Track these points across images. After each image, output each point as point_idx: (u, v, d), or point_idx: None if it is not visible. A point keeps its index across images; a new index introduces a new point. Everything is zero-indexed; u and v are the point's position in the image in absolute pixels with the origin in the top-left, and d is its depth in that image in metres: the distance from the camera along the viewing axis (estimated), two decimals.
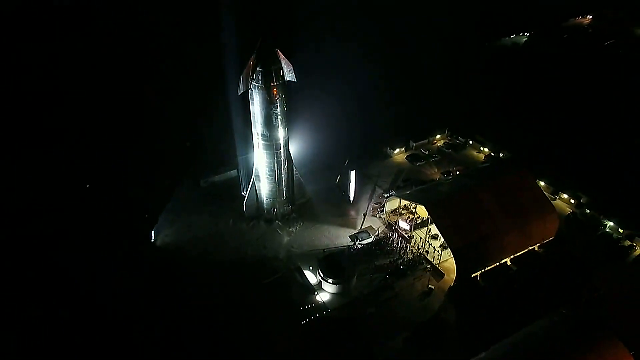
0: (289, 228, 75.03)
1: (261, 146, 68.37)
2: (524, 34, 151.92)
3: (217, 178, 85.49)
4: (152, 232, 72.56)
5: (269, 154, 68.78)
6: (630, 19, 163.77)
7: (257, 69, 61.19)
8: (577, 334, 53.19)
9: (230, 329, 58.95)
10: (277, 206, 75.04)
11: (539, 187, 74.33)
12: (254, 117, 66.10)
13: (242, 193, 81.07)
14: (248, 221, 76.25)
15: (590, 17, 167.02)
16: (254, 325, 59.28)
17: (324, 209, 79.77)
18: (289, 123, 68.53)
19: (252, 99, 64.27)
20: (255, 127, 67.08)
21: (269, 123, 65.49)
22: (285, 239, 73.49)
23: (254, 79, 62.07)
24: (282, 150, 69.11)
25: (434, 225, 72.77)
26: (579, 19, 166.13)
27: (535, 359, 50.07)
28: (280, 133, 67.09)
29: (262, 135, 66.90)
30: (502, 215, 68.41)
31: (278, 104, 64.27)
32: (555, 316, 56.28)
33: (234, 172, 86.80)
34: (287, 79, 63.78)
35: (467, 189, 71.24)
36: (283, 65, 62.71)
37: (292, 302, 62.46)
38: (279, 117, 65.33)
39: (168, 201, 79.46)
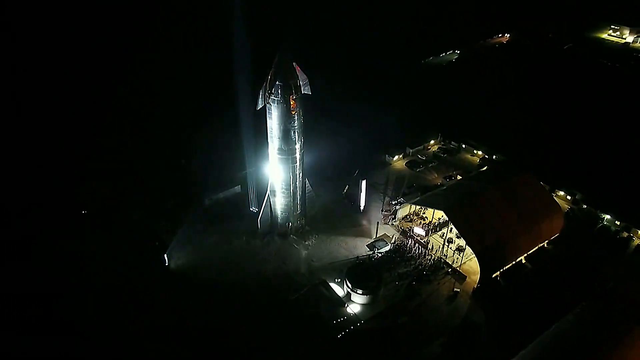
0: (305, 241, 74.23)
1: (277, 160, 67.43)
2: (453, 52, 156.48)
3: (221, 195, 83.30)
4: (165, 256, 69.60)
5: (285, 168, 67.95)
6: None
7: (277, 83, 60.53)
8: (605, 326, 56.13)
9: (262, 348, 57.48)
10: (292, 220, 74.11)
11: (543, 187, 77.75)
12: (271, 131, 65.19)
13: (251, 209, 79.64)
14: (262, 237, 74.75)
15: (509, 35, 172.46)
16: (287, 343, 58.03)
17: (336, 219, 79.61)
18: None
19: (270, 113, 63.44)
20: (272, 142, 66.12)
21: (286, 137, 64.81)
22: (303, 252, 72.64)
23: (272, 93, 61.35)
24: (297, 163, 68.51)
25: (447, 229, 74.92)
26: (499, 37, 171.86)
27: (575, 353, 52.19)
28: (297, 146, 66.56)
29: (279, 149, 66.06)
30: (514, 216, 71.14)
31: (296, 118, 63.79)
32: (578, 309, 59.21)
33: (237, 188, 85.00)
34: (304, 91, 63.41)
35: (478, 193, 73.34)
36: (300, 79, 62.37)
37: (323, 317, 61.72)
38: (297, 130, 64.83)
39: (175, 223, 76.45)
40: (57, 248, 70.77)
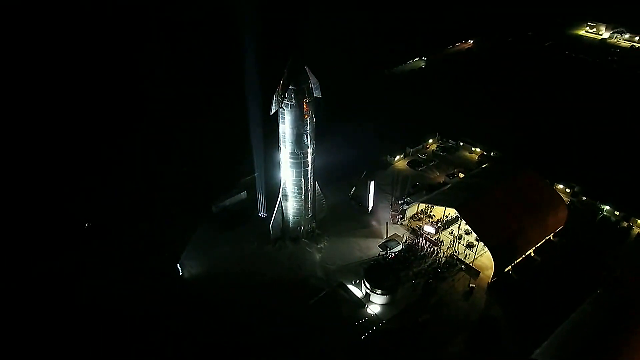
0: (318, 245, 74.20)
1: (290, 164, 67.25)
2: (420, 59, 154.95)
3: (228, 202, 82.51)
4: (178, 266, 68.59)
5: (297, 172, 67.80)
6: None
7: (290, 87, 60.43)
8: (621, 312, 57.87)
9: (286, 354, 57.27)
10: (303, 224, 73.99)
11: (546, 181, 79.71)
12: (284, 136, 64.95)
13: (260, 214, 79.22)
14: (273, 242, 74.36)
15: (472, 41, 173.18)
16: (311, 347, 57.93)
17: (345, 221, 79.74)
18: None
19: (283, 118, 63.14)
20: (284, 146, 65.88)
21: (299, 141, 64.72)
22: (317, 256, 72.58)
23: (286, 97, 61.19)
24: (309, 167, 68.51)
25: (456, 226, 76.16)
26: (462, 44, 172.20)
27: (598, 339, 53.73)
28: (310, 150, 66.59)
29: (292, 153, 65.91)
30: (521, 210, 72.67)
31: (308, 122, 63.80)
32: (594, 298, 60.97)
33: (243, 194, 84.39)
34: (315, 95, 63.42)
35: (485, 189, 74.86)
36: (311, 82, 62.38)
37: (344, 319, 61.84)
38: (309, 134, 64.86)
39: (184, 232, 75.39)
40: (61, 262, 69.17)
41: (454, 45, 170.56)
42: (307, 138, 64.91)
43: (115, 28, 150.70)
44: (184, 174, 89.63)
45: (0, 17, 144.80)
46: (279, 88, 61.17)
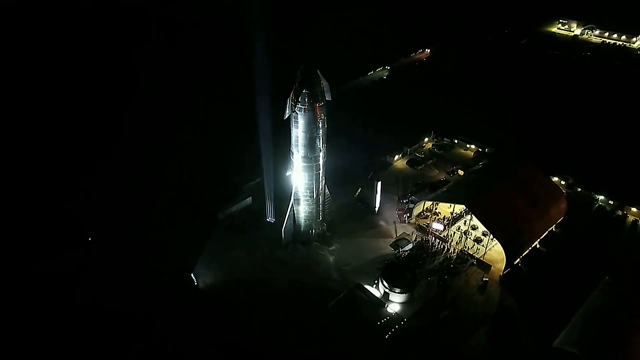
0: (329, 247, 74.40)
1: (302, 168, 67.29)
2: (383, 68, 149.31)
3: (234, 208, 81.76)
4: (192, 276, 67.58)
5: (309, 175, 67.93)
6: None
7: (303, 91, 60.52)
8: (631, 297, 60.44)
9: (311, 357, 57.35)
10: (314, 227, 74.08)
11: (545, 175, 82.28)
12: (296, 140, 64.98)
13: (268, 219, 78.85)
14: (285, 247, 74.13)
15: (429, 50, 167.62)
16: (336, 350, 58.07)
17: (353, 223, 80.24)
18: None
19: (296, 122, 63.19)
20: (297, 150, 65.85)
21: (312, 144, 64.87)
22: (330, 258, 72.77)
23: (299, 102, 61.23)
24: (321, 170, 68.72)
25: (462, 222, 77.85)
26: (419, 53, 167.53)
27: (613, 324, 55.99)
28: (322, 153, 66.82)
29: (305, 157, 65.97)
30: (525, 203, 74.94)
31: (320, 125, 64.04)
32: (603, 285, 63.40)
33: (249, 200, 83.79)
34: (327, 98, 63.72)
35: (488, 185, 76.84)
36: (323, 85, 62.65)
37: (366, 319, 62.25)
38: (322, 137, 65.10)
39: (190, 237, 74.38)
40: (61, 262, 67.88)
41: (411, 55, 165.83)
42: (319, 141, 65.15)
43: (116, 28, 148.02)
44: (184, 181, 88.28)
45: (0, 17, 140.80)
46: (292, 92, 61.19)
